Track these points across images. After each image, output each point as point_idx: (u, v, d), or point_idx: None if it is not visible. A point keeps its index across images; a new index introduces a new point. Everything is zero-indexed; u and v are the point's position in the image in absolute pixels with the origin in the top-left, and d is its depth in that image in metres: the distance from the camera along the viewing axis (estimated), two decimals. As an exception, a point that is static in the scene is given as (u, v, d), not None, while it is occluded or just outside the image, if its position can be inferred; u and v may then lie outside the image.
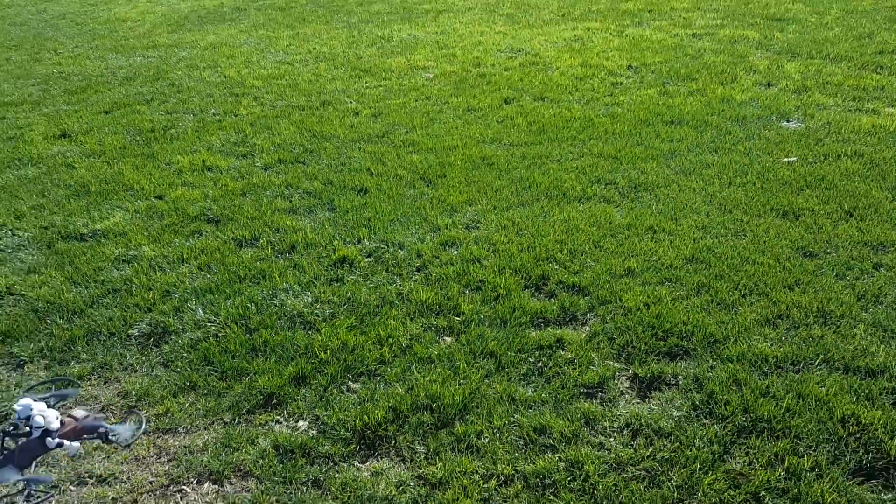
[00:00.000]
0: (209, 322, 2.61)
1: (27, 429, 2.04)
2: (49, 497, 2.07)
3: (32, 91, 5.73)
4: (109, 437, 2.09)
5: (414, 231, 3.11)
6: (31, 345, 2.59)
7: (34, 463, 2.07)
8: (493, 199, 3.36)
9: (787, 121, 4.05)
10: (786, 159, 3.54)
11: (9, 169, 4.17)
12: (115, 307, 2.75)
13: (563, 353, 2.30)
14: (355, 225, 3.19)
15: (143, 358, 2.48)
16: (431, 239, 3.04)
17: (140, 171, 3.96)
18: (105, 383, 2.40)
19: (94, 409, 2.29)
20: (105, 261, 3.08)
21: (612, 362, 2.25)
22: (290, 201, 3.48)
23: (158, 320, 2.65)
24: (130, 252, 3.13)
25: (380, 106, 4.80)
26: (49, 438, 1.98)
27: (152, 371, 2.41)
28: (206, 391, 2.29)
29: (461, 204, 3.33)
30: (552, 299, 2.58)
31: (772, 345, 2.26)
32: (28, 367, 2.50)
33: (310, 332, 2.50)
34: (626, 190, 3.37)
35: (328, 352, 2.38)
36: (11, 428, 2.06)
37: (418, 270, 2.83)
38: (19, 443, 2.02)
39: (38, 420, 2.00)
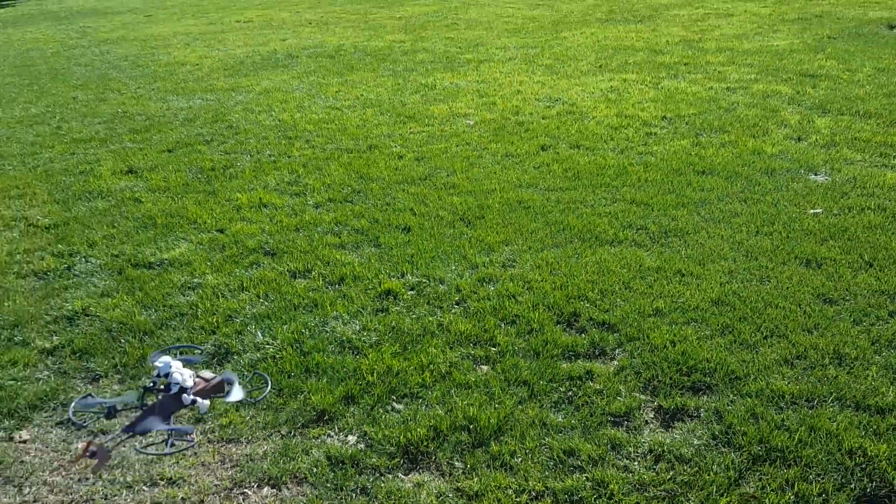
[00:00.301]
0: (267, 344, 2.86)
1: (164, 385, 2.30)
2: (189, 446, 2.32)
3: (99, 129, 6.16)
4: (230, 399, 2.34)
5: (454, 268, 3.34)
6: (106, 361, 2.86)
7: (171, 416, 2.32)
8: (528, 240, 3.58)
9: (815, 174, 4.22)
10: (811, 211, 3.70)
11: (80, 201, 4.53)
12: (182, 329, 3.01)
13: (591, 384, 2.49)
14: (399, 260, 3.43)
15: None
16: (470, 275, 3.26)
17: (202, 206, 4.28)
18: (172, 397, 2.64)
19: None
20: (172, 287, 3.36)
21: (638, 394, 2.43)
22: (340, 237, 3.75)
23: (222, 342, 2.90)
24: (195, 280, 3.41)
25: (423, 150, 5.08)
26: (185, 395, 2.23)
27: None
28: (264, 406, 2.52)
29: (498, 244, 3.55)
30: (583, 334, 2.77)
31: (789, 382, 2.42)
32: (103, 381, 2.76)
33: (358, 357, 2.73)
34: (656, 235, 3.57)
35: (375, 375, 2.60)
36: (150, 384, 2.31)
37: (457, 304, 3.05)
38: (160, 397, 2.28)
39: (177, 377, 2.26)
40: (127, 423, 2.30)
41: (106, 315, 3.17)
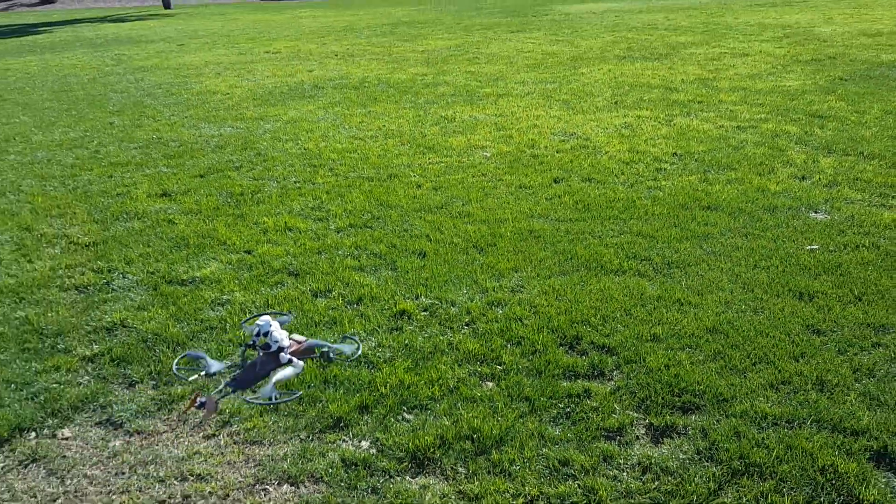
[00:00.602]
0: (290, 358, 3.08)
1: (263, 344, 2.51)
2: (294, 398, 2.56)
3: (135, 153, 6.49)
4: (331, 355, 2.55)
5: (465, 291, 3.56)
6: (142, 368, 3.10)
7: (270, 373, 2.54)
8: (536, 268, 3.79)
9: (815, 212, 4.40)
10: (808, 247, 3.88)
11: (118, 221, 4.82)
12: (212, 341, 3.25)
13: (589, 401, 2.68)
14: (414, 283, 3.66)
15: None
16: (480, 299, 3.48)
17: (231, 228, 4.55)
18: (202, 403, 2.86)
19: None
20: (203, 303, 3.61)
21: (631, 412, 2.61)
22: (359, 260, 3.98)
23: (249, 354, 3.13)
24: (224, 296, 3.66)
25: (440, 180, 5.33)
26: (282, 354, 2.45)
27: (243, 395, 2.88)
28: (286, 413, 2.74)
29: (508, 270, 3.77)
30: (583, 356, 2.96)
31: (772, 405, 2.59)
32: (139, 387, 2.99)
33: (372, 371, 2.94)
34: (659, 266, 3.77)
35: (388, 387, 2.81)
36: (251, 342, 2.53)
37: (467, 325, 3.26)
38: (259, 354, 2.49)
39: (276, 335, 2.48)
40: (229, 379, 2.49)
41: (142, 327, 3.42)
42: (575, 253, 3.95)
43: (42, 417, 2.80)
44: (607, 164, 5.52)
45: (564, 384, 2.79)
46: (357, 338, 2.79)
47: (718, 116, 6.80)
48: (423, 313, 3.39)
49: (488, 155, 5.99)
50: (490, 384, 2.83)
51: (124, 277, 3.96)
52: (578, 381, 2.81)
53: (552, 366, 2.89)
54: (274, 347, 2.52)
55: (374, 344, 3.15)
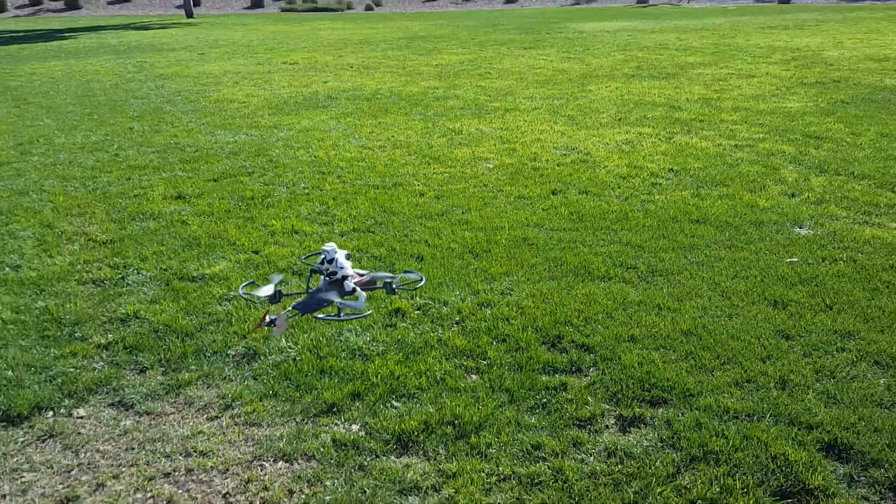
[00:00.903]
0: (289, 349, 3.30)
1: (328, 272, 2.69)
2: (363, 316, 2.76)
3: (153, 157, 6.76)
4: (394, 286, 2.74)
5: (458, 293, 3.76)
6: (152, 356, 3.32)
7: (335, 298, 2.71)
8: (527, 273, 3.99)
9: (800, 227, 4.58)
10: (788, 259, 4.06)
11: (134, 221, 5.07)
12: (219, 333, 3.47)
13: (565, 394, 2.87)
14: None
15: (238, 372, 3.17)
16: (471, 300, 3.68)
17: (241, 230, 4.78)
18: (207, 387, 3.09)
19: (197, 405, 2.97)
20: (211, 298, 3.84)
21: (603, 404, 2.81)
22: (360, 262, 4.20)
23: (251, 345, 3.35)
24: (231, 293, 3.89)
25: (442, 189, 5.55)
26: (347, 282, 2.63)
27: (244, 381, 3.10)
28: (283, 398, 2.95)
29: (500, 275, 3.98)
30: (563, 354, 3.16)
31: (735, 401, 2.77)
32: (149, 373, 3.22)
33: (366, 362, 3.15)
34: (644, 274, 3.96)
35: (379, 377, 3.02)
36: (317, 267, 2.72)
37: (457, 323, 3.47)
38: (324, 280, 2.68)
39: (341, 262, 2.66)
40: (296, 302, 2.67)
41: (154, 318, 3.65)
42: (565, 260, 4.15)
43: (59, 398, 3.03)
44: (605, 178, 5.72)
45: (543, 378, 2.98)
46: (420, 274, 3.00)
47: (718, 135, 6.99)
48: (416, 312, 3.60)
49: (491, 166, 6.21)
50: (474, 377, 3.03)
51: (138, 273, 4.20)
52: (557, 375, 3.00)
53: (533, 361, 3.08)
54: (339, 273, 2.65)
55: (368, 338, 3.36)
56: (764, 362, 3.04)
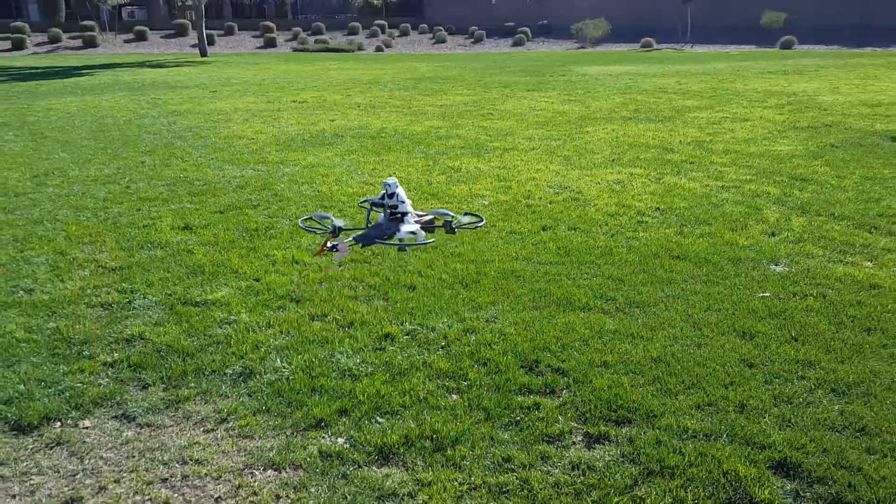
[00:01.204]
0: (283, 368, 3.51)
1: (391, 206, 2.82)
2: (426, 243, 2.90)
3: (163, 190, 7.06)
4: (453, 225, 2.89)
5: (445, 320, 3.98)
6: (154, 374, 3.54)
7: (394, 234, 2.86)
8: (512, 303, 4.21)
9: (776, 264, 4.79)
10: (760, 294, 4.27)
11: (143, 249, 5.33)
12: (217, 354, 3.70)
13: (537, 413, 3.07)
14: (401, 311, 4.10)
15: (234, 389, 3.38)
16: (457, 326, 3.90)
17: (244, 259, 5.03)
18: (205, 403, 3.30)
19: (194, 420, 3.18)
20: (212, 322, 4.07)
21: (572, 423, 3.00)
22: (355, 291, 4.43)
23: (247, 365, 3.57)
24: (232, 317, 4.12)
25: (439, 224, 5.80)
26: (407, 218, 2.79)
27: (240, 398, 3.31)
28: (276, 414, 3.16)
29: (486, 304, 4.20)
30: (539, 376, 3.37)
31: (695, 422, 2.97)
32: (151, 389, 3.43)
33: (354, 382, 3.36)
34: (622, 305, 4.17)
35: (365, 395, 3.23)
36: (378, 199, 2.89)
37: (442, 348, 3.68)
38: (384, 215, 2.83)
39: (403, 195, 2.82)
40: (356, 235, 2.83)
41: (157, 339, 3.88)
42: (549, 291, 4.37)
43: (67, 410, 3.24)
44: (594, 216, 5.97)
45: (519, 398, 3.18)
46: (482, 215, 3.16)
47: (706, 176, 7.25)
48: (405, 337, 3.81)
49: (486, 203, 6.46)
50: (455, 396, 3.24)
51: (144, 298, 4.44)
52: (531, 396, 3.21)
53: (511, 383, 3.29)
54: (400, 208, 2.80)
55: (358, 360, 3.57)
56: (726, 388, 3.24)
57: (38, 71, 22.67)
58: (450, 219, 2.90)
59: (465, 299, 4.29)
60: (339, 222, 3.08)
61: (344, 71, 22.56)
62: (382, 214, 2.88)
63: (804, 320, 3.91)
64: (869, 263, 4.79)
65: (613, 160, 8.14)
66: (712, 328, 3.84)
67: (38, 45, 34.55)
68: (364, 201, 3.48)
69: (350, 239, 2.82)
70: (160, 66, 25.28)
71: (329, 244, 2.81)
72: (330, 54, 34.43)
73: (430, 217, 2.95)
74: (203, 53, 30.91)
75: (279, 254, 5.12)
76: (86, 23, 37.33)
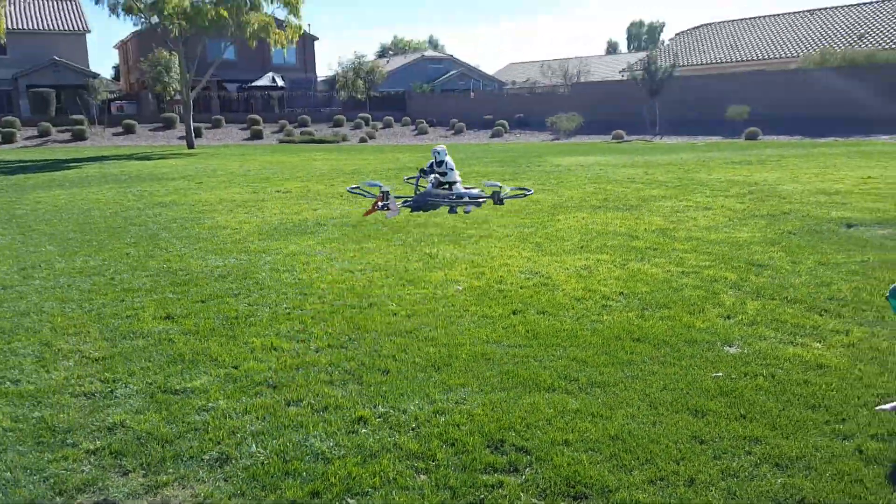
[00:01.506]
0: (258, 454, 3.67)
1: (435, 171, 3.01)
2: (480, 202, 3.07)
3: (146, 281, 7.28)
4: (501, 196, 3.08)
5: (417, 402, 4.18)
6: (135, 461, 3.68)
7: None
8: (482, 385, 4.43)
9: (730, 346, 5.06)
10: (713, 374, 4.52)
11: (125, 339, 5.51)
12: (195, 440, 3.85)
13: (501, 490, 3.25)
14: (375, 395, 4.29)
15: (211, 474, 3.53)
16: (428, 408, 4.10)
17: (223, 347, 5.23)
18: (183, 488, 3.44)
19: None
20: (191, 409, 4.23)
21: (534, 499, 3.18)
22: (331, 376, 4.63)
23: (224, 451, 3.73)
24: (210, 404, 4.28)
25: (414, 309, 6.06)
26: (457, 186, 2.96)
27: (216, 483, 3.45)
28: (250, 497, 3.31)
29: (457, 386, 4.41)
30: (504, 455, 3.55)
31: (647, 495, 3.16)
32: (131, 475, 3.57)
33: (327, 465, 3.53)
34: (584, 385, 4.40)
35: (337, 478, 3.39)
36: (427, 166, 3.06)
37: (413, 429, 3.87)
38: (432, 180, 3.00)
39: (451, 163, 3.00)
40: (406, 201, 2.99)
41: (138, 427, 4.03)
42: (517, 373, 4.60)
43: (51, 496, 3.37)
44: (561, 300, 6.26)
45: (484, 477, 3.36)
46: (530, 189, 3.39)
47: (668, 262, 7.61)
48: (377, 419, 4.00)
49: (461, 288, 6.74)
50: (423, 476, 3.41)
51: (126, 387, 4.60)
52: (496, 474, 3.39)
53: (476, 462, 3.47)
54: (449, 175, 3.02)
55: (331, 444, 3.74)
56: (677, 463, 3.44)
57: (28, 164, 23.14)
58: (497, 189, 3.21)
59: (437, 382, 4.49)
60: (387, 188, 3.38)
61: (328, 161, 23.24)
62: (430, 182, 3.19)
63: (753, 398, 4.15)
64: (818, 344, 5.08)
65: (582, 247, 8.51)
66: (667, 406, 4.07)
67: (27, 138, 35.25)
68: (408, 179, 3.84)
69: (401, 202, 3.10)
70: (147, 158, 25.88)
71: (380, 203, 3.08)
72: (315, 145, 35.41)
73: (478, 191, 3.25)
74: (190, 145, 31.66)
75: (258, 341, 5.32)
76: (75, 117, 38.25)
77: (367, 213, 3.56)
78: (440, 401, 4.21)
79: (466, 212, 3.26)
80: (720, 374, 4.53)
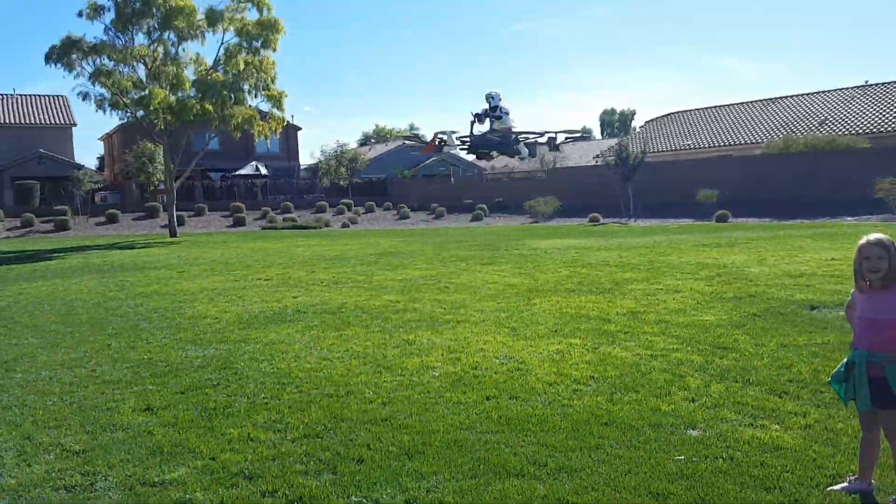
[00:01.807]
0: (235, 543, 3.77)
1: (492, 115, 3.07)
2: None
3: (126, 373, 7.39)
4: (556, 142, 3.06)
5: (389, 491, 4.32)
6: (112, 552, 3.77)
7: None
8: (454, 472, 4.57)
9: (693, 429, 5.27)
10: (676, 458, 4.71)
11: (105, 432, 5.61)
12: (173, 530, 3.95)
13: (467, 576, 3.37)
14: (349, 485, 4.42)
15: (187, 565, 3.62)
16: (401, 497, 4.23)
17: (201, 438, 5.34)
18: (159, 579, 3.53)
19: None
20: (169, 501, 4.33)
21: (499, 584, 3.31)
22: (306, 466, 4.75)
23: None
24: (187, 496, 4.39)
25: (390, 396, 6.21)
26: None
27: None
28: (225, 586, 3.40)
29: (429, 474, 4.55)
30: (471, 541, 3.68)
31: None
32: (108, 567, 3.66)
33: (301, 553, 3.64)
34: (552, 471, 4.56)
35: (311, 566, 3.50)
36: (480, 112, 3.11)
37: (384, 517, 3.99)
38: (491, 122, 3.01)
39: (506, 107, 3.04)
40: (464, 141, 3.05)
41: (116, 519, 4.11)
42: (488, 459, 4.75)
43: (26, 591, 3.44)
44: (534, 384, 6.45)
45: (451, 563, 3.49)
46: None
47: (638, 346, 7.86)
48: (350, 508, 4.12)
49: (437, 374, 6.92)
50: (393, 563, 3.53)
51: (106, 479, 4.69)
52: (463, 560, 3.51)
53: (444, 548, 3.60)
54: (503, 119, 3.09)
55: (306, 532, 3.86)
56: (637, 544, 3.59)
57: (11, 255, 23.25)
58: (553, 136, 3.40)
59: (410, 470, 4.63)
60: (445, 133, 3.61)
61: (310, 247, 23.58)
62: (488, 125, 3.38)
63: (712, 481, 4.34)
64: (776, 426, 5.29)
65: (556, 331, 8.76)
66: (630, 491, 4.24)
67: (10, 229, 35.41)
68: (460, 137, 4.09)
69: (458, 140, 3.26)
70: (130, 247, 26.09)
71: (438, 139, 3.26)
72: (298, 231, 35.87)
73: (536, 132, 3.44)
74: (173, 234, 31.97)
75: (235, 432, 5.44)
76: (59, 207, 38.61)
77: (426, 150, 3.83)
78: (412, 489, 4.35)
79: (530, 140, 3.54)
80: (682, 457, 4.72)
